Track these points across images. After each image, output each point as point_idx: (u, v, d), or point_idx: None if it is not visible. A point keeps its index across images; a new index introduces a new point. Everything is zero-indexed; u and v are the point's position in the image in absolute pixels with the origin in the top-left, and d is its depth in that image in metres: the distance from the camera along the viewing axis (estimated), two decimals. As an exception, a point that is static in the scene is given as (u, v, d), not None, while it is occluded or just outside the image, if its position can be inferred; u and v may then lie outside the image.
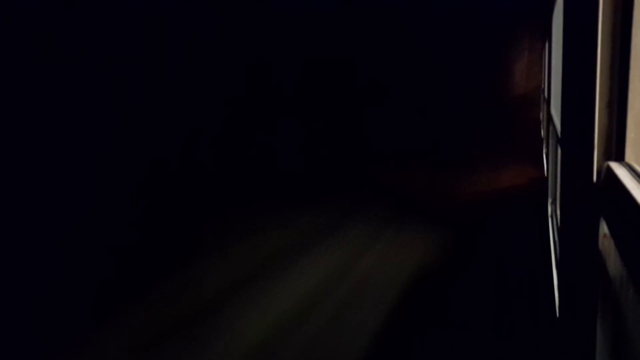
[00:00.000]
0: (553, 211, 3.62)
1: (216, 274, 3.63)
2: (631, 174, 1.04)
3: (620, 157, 1.20)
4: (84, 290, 3.12)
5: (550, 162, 4.03)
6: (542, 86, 5.99)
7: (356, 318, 3.26)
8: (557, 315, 2.00)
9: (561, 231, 1.74)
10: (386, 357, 2.84)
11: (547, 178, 4.77)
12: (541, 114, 6.64)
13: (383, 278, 3.79)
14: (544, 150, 5.59)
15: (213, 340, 3.03)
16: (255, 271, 3.67)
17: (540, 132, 6.53)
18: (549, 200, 4.01)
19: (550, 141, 3.96)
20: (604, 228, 1.15)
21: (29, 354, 2.65)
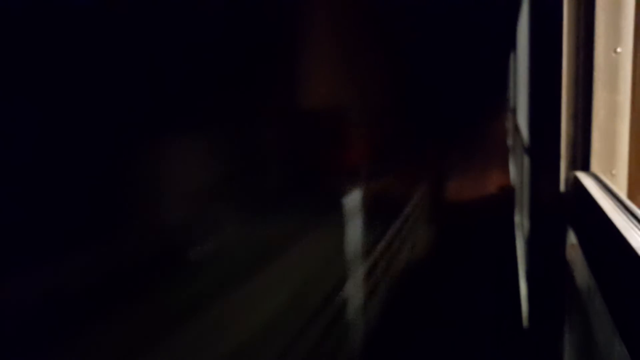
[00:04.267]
0: (521, 220, 3.67)
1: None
2: (597, 184, 1.05)
3: (586, 167, 1.22)
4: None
5: (518, 171, 4.10)
6: (508, 96, 6.11)
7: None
8: (525, 325, 2.02)
9: (529, 241, 1.75)
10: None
11: (513, 187, 4.84)
12: (507, 123, 6.76)
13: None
14: (511, 159, 5.69)
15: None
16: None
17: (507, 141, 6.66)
18: (517, 210, 4.07)
19: (517, 150, 4.03)
20: (571, 238, 1.16)
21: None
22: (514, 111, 4.88)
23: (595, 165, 1.21)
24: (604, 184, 1.04)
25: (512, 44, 4.81)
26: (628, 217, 0.85)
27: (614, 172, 1.18)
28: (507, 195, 5.43)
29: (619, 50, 1.19)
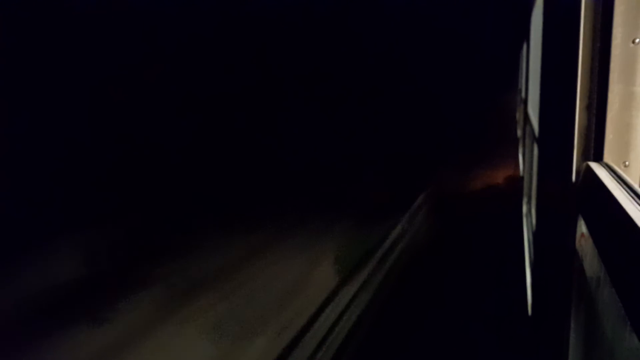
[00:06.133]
0: (528, 210, 3.67)
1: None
2: (610, 174, 1.05)
3: (598, 158, 1.22)
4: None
5: (526, 161, 4.09)
6: (519, 86, 6.06)
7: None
8: (530, 313, 2.03)
9: (537, 230, 1.76)
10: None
11: (522, 177, 4.83)
12: (517, 114, 6.73)
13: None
14: (520, 150, 5.67)
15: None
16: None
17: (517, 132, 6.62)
18: (524, 200, 4.06)
19: (527, 141, 4.02)
20: (581, 227, 1.17)
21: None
22: (524, 101, 4.85)
23: (608, 156, 1.21)
24: (617, 174, 1.04)
25: (524, 33, 4.75)
26: (641, 207, 0.86)
27: (627, 163, 1.18)
28: (514, 185, 5.41)
29: (637, 41, 1.18)
